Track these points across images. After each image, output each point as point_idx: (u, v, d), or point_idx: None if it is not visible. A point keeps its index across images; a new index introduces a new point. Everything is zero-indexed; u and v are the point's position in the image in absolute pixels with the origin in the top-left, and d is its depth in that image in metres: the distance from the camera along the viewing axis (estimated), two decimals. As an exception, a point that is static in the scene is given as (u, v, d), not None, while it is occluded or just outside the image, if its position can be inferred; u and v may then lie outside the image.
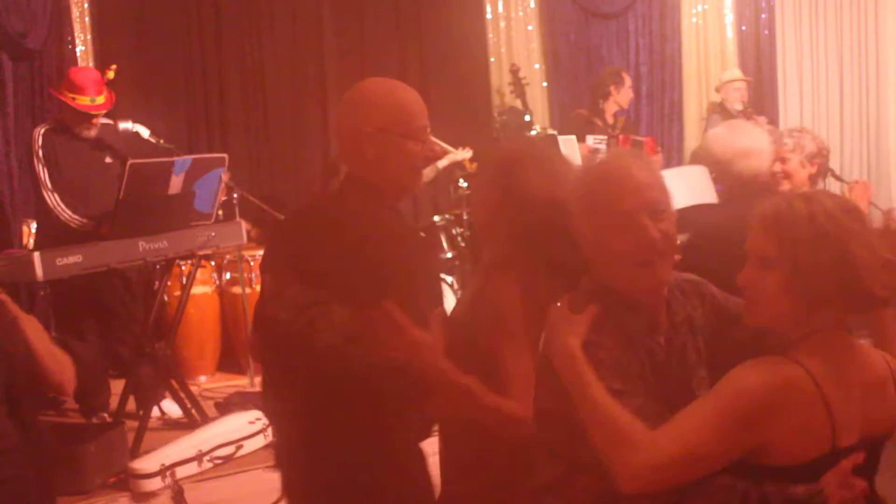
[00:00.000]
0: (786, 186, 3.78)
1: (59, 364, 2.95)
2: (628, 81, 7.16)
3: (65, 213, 4.97)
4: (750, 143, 3.36)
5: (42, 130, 5.08)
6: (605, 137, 6.42)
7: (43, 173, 4.98)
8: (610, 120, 7.03)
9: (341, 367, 2.20)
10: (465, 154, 6.54)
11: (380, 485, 2.28)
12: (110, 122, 5.32)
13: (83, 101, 5.08)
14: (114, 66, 5.49)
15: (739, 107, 7.34)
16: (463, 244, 6.52)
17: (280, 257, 2.40)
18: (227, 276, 6.49)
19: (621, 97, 7.07)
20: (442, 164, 6.30)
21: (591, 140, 6.41)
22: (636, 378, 1.88)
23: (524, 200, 2.22)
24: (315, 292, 2.23)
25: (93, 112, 5.12)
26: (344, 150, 2.43)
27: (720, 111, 7.46)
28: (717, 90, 7.62)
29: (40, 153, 4.99)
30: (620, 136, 6.54)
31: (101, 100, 5.15)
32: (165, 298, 5.83)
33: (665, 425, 1.77)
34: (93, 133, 5.18)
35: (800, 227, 1.80)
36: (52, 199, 4.97)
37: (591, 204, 1.96)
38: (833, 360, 1.82)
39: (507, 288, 2.22)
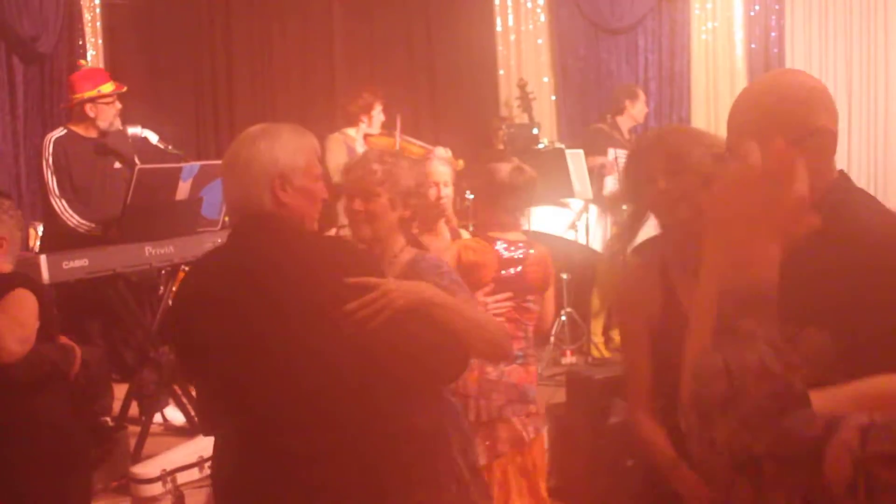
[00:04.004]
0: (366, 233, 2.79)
1: None
2: (642, 96, 7.17)
3: (73, 218, 4.98)
4: None
5: (53, 138, 5.11)
6: (626, 151, 6.43)
7: (51, 180, 5.01)
8: (626, 135, 7.04)
9: None
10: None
11: None
12: (119, 128, 5.35)
13: (107, 87, 5.21)
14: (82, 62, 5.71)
15: None
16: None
17: None
18: (232, 282, 6.48)
19: (637, 111, 7.08)
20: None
21: (612, 153, 6.42)
22: None
23: None
24: None
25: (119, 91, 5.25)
26: None
27: None
28: None
29: (50, 160, 5.02)
30: None
31: (112, 86, 5.29)
32: (170, 304, 5.84)
33: None
34: (117, 122, 5.23)
35: None
36: (60, 205, 4.99)
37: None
38: None
39: None
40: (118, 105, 5.28)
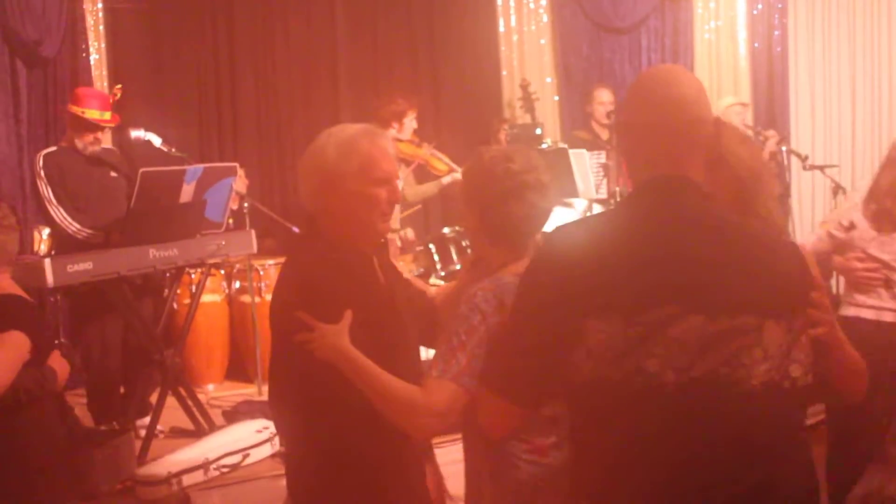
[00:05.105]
0: None
1: None
2: (599, 97, 7.24)
3: (72, 226, 4.99)
4: None
5: (44, 153, 5.13)
6: (604, 151, 6.45)
7: (46, 190, 5.01)
8: (605, 136, 7.07)
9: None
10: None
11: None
12: (112, 147, 5.36)
13: (92, 113, 5.15)
14: (119, 87, 5.59)
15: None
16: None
17: None
18: (237, 284, 6.51)
19: (598, 113, 7.18)
20: (446, 180, 6.31)
21: (591, 157, 6.46)
22: None
23: None
24: None
25: (101, 124, 5.18)
26: None
27: None
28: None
29: (42, 173, 5.03)
30: None
31: (108, 115, 5.24)
32: (175, 306, 5.85)
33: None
34: (97, 148, 5.21)
35: None
36: (59, 214, 5.00)
37: None
38: None
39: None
40: (99, 136, 5.23)
